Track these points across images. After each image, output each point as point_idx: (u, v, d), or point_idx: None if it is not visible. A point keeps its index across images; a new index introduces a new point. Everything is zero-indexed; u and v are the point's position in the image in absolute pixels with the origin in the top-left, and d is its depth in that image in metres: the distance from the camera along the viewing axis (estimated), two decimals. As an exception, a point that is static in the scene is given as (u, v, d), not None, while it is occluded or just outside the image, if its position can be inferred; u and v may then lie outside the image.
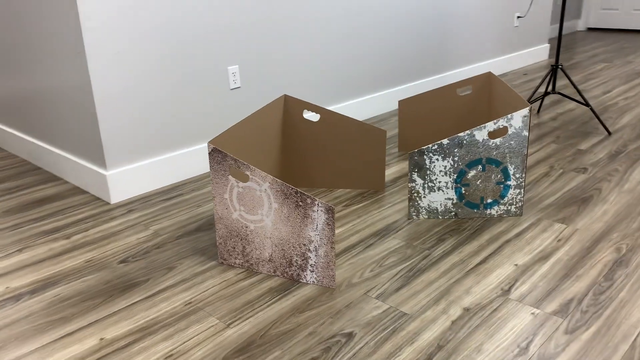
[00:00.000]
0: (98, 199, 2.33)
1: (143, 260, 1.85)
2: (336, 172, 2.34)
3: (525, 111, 1.93)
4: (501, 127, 1.95)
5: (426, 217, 2.07)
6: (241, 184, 1.66)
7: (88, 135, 2.28)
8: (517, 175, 2.01)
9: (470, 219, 2.06)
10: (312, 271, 1.67)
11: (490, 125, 1.95)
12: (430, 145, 1.97)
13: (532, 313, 1.51)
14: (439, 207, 2.05)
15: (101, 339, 1.46)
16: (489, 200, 2.05)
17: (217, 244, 1.79)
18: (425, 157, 1.99)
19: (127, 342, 1.45)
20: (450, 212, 2.06)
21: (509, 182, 2.02)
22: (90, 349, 1.43)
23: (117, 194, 2.29)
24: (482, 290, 1.62)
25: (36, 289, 1.70)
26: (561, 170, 2.47)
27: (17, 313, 1.58)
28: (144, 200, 2.31)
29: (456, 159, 1.99)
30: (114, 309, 1.59)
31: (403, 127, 2.74)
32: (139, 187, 2.36)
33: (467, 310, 1.53)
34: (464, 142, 1.97)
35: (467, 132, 1.95)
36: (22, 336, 1.48)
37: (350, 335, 1.45)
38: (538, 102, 3.56)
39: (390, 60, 3.43)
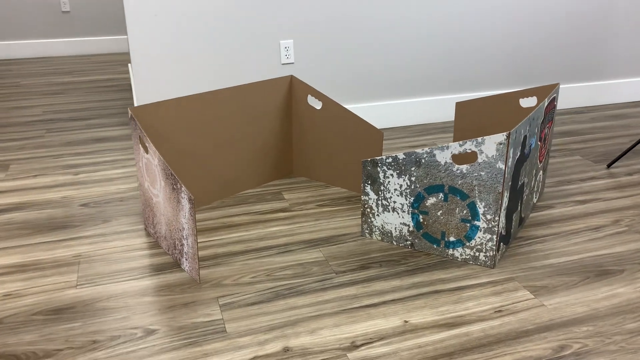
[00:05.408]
0: (136, 147, 2.56)
1: (98, 208, 1.99)
2: (332, 169, 2.13)
3: (500, 137, 1.48)
4: (468, 151, 1.53)
5: (379, 238, 1.77)
6: (145, 155, 1.66)
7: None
8: (489, 217, 1.57)
9: (427, 254, 1.70)
10: (186, 259, 1.59)
11: (455, 147, 1.55)
12: (384, 157, 1.66)
13: (348, 382, 1.21)
14: (393, 230, 1.73)
15: (-12, 264, 1.66)
16: (452, 239, 1.65)
17: (141, 210, 1.83)
18: (379, 169, 1.69)
19: (-1, 273, 1.61)
20: (406, 240, 1.73)
21: (476, 223, 1.59)
22: (-28, 269, 1.63)
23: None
24: (329, 336, 1.35)
25: (3, 210, 1.98)
26: (626, 228, 1.84)
27: (-29, 225, 1.88)
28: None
29: (413, 179, 1.64)
30: (25, 243, 1.77)
31: (458, 133, 2.33)
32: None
33: (286, 350, 1.30)
34: (422, 160, 1.61)
35: (427, 149, 1.59)
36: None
37: (150, 333, 1.36)
38: None
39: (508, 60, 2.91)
